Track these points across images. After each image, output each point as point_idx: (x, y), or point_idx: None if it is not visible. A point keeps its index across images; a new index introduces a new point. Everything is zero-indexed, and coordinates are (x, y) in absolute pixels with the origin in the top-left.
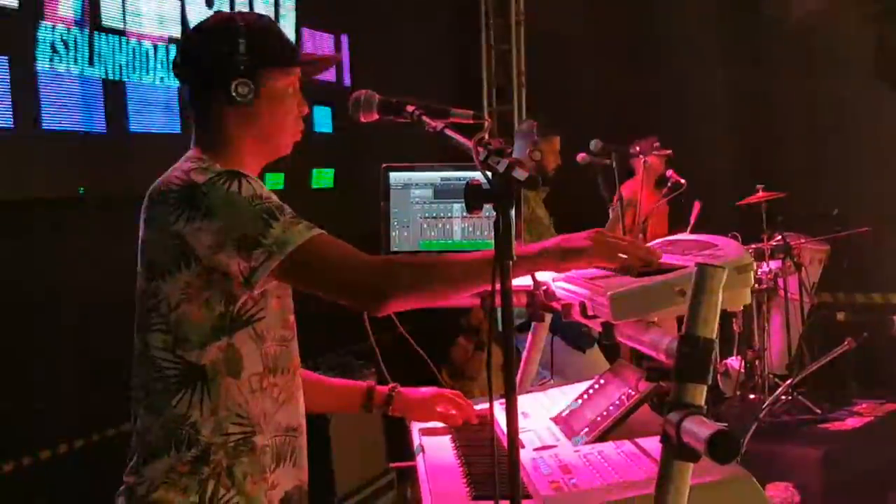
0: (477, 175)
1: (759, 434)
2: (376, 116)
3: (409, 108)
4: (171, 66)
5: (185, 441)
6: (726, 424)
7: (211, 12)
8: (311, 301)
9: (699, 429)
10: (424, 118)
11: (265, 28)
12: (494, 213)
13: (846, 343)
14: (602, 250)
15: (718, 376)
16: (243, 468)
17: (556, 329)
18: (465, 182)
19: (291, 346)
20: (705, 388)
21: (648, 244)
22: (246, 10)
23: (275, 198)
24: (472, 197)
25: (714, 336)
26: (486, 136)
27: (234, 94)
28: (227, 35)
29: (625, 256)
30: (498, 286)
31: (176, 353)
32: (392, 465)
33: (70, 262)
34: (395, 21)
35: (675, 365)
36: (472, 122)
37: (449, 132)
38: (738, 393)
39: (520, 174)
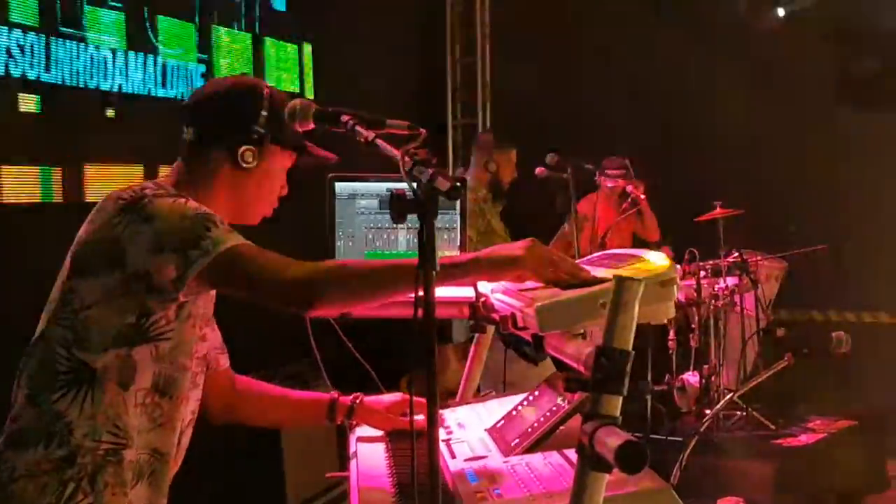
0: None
1: (711, 449)
2: (312, 125)
3: (344, 118)
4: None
5: (55, 438)
6: (644, 435)
7: None
8: (269, 311)
9: (609, 439)
10: (358, 128)
11: (284, 106)
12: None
13: (786, 359)
14: (534, 262)
15: (675, 391)
16: (106, 478)
17: (510, 342)
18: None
19: (186, 377)
20: (621, 399)
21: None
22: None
23: (217, 217)
24: (396, 206)
25: (630, 348)
26: (414, 147)
27: (239, 158)
28: (253, 100)
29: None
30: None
31: (71, 352)
32: (328, 475)
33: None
34: (360, 32)
35: (591, 376)
36: (407, 132)
37: (379, 142)
38: (695, 408)
39: (441, 184)
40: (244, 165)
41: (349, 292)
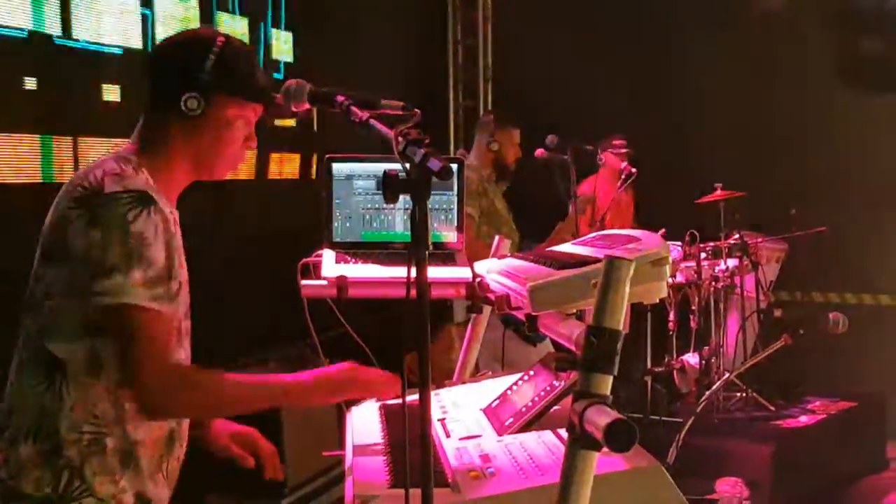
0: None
1: (710, 429)
2: (307, 106)
3: (339, 98)
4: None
5: (43, 432)
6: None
7: None
8: (269, 291)
9: (599, 417)
10: (352, 108)
11: (239, 56)
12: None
13: (782, 339)
14: (357, 386)
15: (675, 373)
16: (93, 468)
17: (509, 322)
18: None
19: None
20: (611, 378)
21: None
22: None
23: (157, 250)
24: (389, 187)
25: (621, 328)
26: (408, 127)
27: (182, 106)
28: (199, 49)
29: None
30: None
31: (43, 341)
32: (325, 453)
33: None
34: (361, 14)
35: (581, 355)
36: (401, 113)
37: (373, 122)
38: (695, 390)
39: (433, 165)
40: (189, 113)
41: (202, 413)
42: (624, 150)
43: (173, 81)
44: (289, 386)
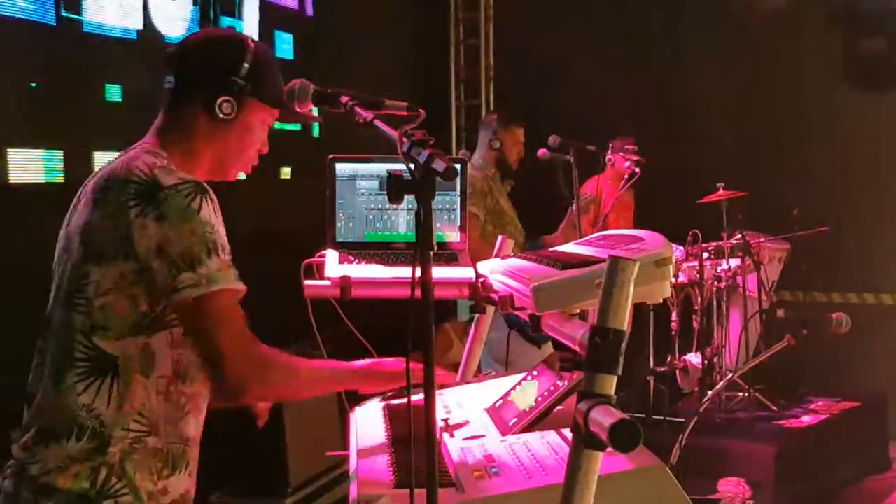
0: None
1: (713, 429)
2: (311, 106)
3: (343, 99)
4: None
5: (87, 431)
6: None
7: None
8: (273, 290)
9: (603, 418)
10: (357, 109)
11: (269, 62)
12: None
13: (785, 339)
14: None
15: (677, 372)
16: (134, 465)
17: (514, 323)
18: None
19: None
20: (615, 378)
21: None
22: None
23: (223, 231)
24: (393, 187)
25: (625, 328)
26: (412, 128)
27: (217, 109)
28: (235, 52)
29: None
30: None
31: (91, 339)
32: (329, 453)
33: None
34: (364, 14)
35: (585, 355)
36: (405, 113)
37: (377, 123)
38: (698, 390)
39: (438, 165)
40: (221, 116)
41: (282, 394)
42: (634, 154)
43: (207, 82)
44: (352, 372)
